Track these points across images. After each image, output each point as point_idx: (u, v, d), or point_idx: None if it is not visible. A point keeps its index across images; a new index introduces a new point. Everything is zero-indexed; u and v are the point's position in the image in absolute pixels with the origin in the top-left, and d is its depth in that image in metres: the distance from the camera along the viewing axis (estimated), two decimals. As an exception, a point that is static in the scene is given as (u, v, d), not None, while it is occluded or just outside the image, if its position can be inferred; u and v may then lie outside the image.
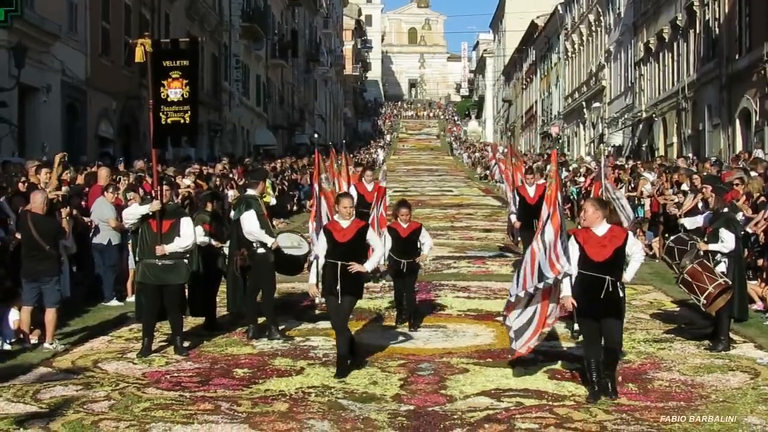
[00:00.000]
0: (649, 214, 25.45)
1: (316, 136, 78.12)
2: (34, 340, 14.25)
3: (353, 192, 19.82)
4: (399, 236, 15.72)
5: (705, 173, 22.57)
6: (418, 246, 15.79)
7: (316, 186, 15.95)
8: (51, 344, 14.00)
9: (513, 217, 21.35)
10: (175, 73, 13.94)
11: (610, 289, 11.02)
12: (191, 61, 14.18)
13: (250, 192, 15.48)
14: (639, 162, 36.67)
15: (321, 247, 12.77)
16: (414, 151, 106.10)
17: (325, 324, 15.70)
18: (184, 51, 14.26)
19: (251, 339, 14.60)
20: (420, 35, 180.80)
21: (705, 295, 13.44)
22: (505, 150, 24.77)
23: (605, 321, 11.05)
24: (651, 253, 22.51)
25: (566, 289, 11.27)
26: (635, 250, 11.53)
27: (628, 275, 11.48)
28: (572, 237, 11.39)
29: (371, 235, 13.23)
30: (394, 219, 16.26)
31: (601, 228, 11.33)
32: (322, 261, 12.81)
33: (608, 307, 11.04)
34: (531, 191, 20.52)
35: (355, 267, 12.45)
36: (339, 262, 12.44)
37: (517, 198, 20.87)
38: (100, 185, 19.37)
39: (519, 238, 21.87)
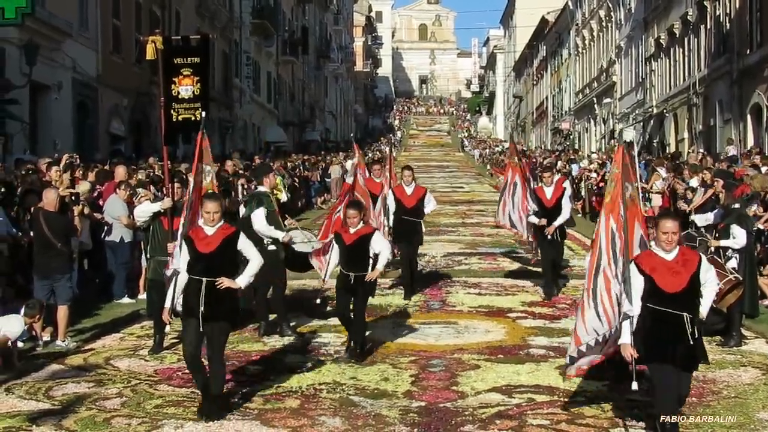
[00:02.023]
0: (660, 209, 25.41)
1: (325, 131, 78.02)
2: (46, 337, 14.25)
3: (391, 197, 18.99)
4: (344, 243, 13.19)
5: (717, 167, 22.54)
6: (370, 255, 13.23)
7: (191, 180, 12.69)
8: (63, 342, 14.04)
9: (533, 218, 18.51)
10: (186, 70, 13.93)
11: (690, 330, 8.97)
12: (202, 58, 14.17)
13: (260, 189, 15.48)
14: (652, 158, 36.60)
15: (182, 260, 10.59)
16: (425, 147, 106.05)
17: (336, 320, 15.73)
18: (194, 48, 14.25)
19: (262, 336, 14.59)
20: (430, 31, 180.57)
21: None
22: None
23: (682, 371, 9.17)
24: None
25: (626, 335, 9.16)
26: (709, 277, 9.27)
27: (702, 310, 9.26)
28: (633, 265, 9.16)
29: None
30: (344, 221, 13.69)
31: (672, 251, 9.15)
32: (184, 277, 10.59)
33: (689, 353, 9.10)
34: (548, 192, 18.45)
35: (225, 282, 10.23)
36: (203, 279, 10.19)
37: (535, 198, 18.66)
38: (115, 182, 19.38)
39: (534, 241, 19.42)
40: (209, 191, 11.74)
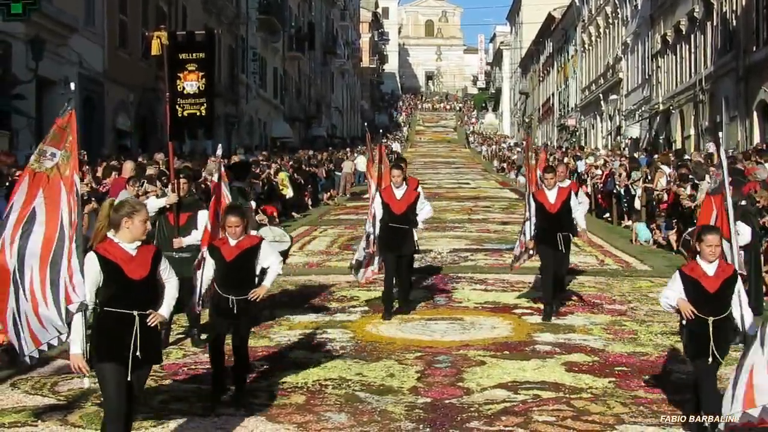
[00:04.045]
0: (665, 206, 25.40)
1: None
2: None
3: (378, 200, 15.97)
4: (223, 259, 10.73)
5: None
6: (256, 274, 10.99)
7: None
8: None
9: (526, 232, 16.09)
10: (191, 66, 13.93)
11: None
12: (207, 54, 14.17)
13: (236, 184, 15.52)
14: (656, 156, 36.58)
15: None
16: (431, 143, 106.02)
17: (342, 316, 15.77)
18: (199, 43, 14.25)
19: (197, 343, 14.41)
20: (437, 27, 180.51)
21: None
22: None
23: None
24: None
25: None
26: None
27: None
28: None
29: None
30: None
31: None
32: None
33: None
34: (551, 196, 15.76)
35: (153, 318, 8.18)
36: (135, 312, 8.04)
37: (533, 205, 15.86)
38: (123, 178, 19.36)
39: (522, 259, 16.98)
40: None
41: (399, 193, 15.93)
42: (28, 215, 8.34)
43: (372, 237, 15.75)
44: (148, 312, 8.04)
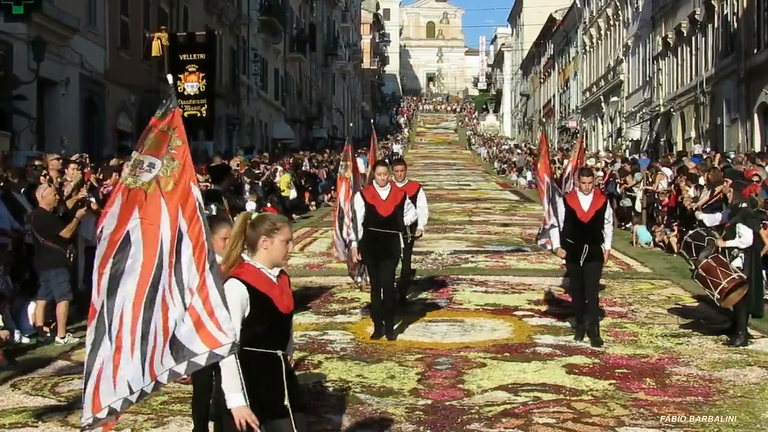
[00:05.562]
0: (666, 208, 25.41)
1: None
2: (51, 334, 14.26)
3: (359, 201, 14.35)
4: None
5: (722, 166, 22.51)
6: None
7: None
8: (62, 338, 13.95)
9: (555, 239, 14.30)
10: (192, 67, 14.02)
11: None
12: (208, 55, 14.22)
13: (214, 187, 15.49)
14: (657, 161, 36.58)
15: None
16: (432, 145, 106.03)
17: (343, 318, 15.77)
18: (200, 44, 14.33)
19: None
20: (438, 29, 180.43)
21: (719, 290, 13.38)
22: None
23: None
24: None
25: None
26: None
27: None
28: None
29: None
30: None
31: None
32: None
33: None
34: (585, 203, 13.89)
35: None
36: None
37: (562, 210, 14.12)
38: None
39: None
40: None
41: (384, 193, 14.25)
42: (121, 240, 6.41)
43: (354, 245, 14.26)
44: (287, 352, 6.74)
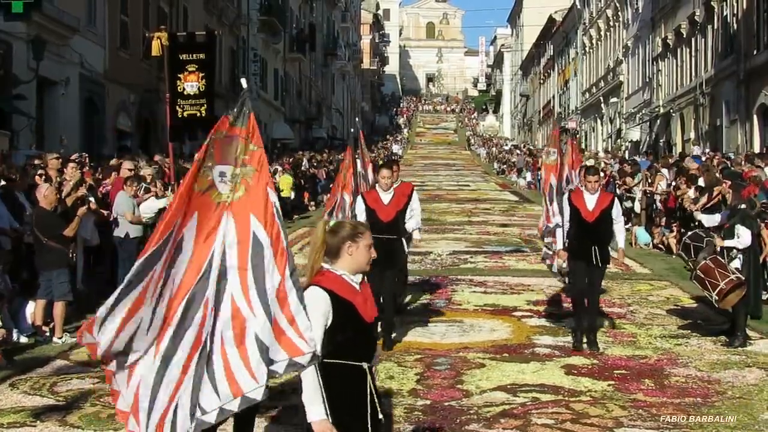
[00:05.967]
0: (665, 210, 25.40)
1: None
2: (49, 334, 14.25)
3: (360, 206, 13.88)
4: None
5: (720, 168, 22.49)
6: None
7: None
8: (60, 338, 13.94)
9: (558, 239, 14.54)
10: (192, 67, 13.95)
11: None
12: (207, 55, 14.18)
13: None
14: (657, 163, 36.56)
15: None
16: (431, 145, 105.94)
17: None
18: (200, 44, 14.27)
19: None
20: (438, 30, 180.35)
21: (717, 291, 13.37)
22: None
23: None
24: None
25: None
26: None
27: None
28: None
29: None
30: None
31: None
32: None
33: None
34: (590, 202, 13.51)
35: None
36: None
37: (568, 209, 13.81)
38: (121, 178, 19.33)
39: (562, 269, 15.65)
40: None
41: (386, 197, 13.79)
42: (179, 240, 6.14)
43: None
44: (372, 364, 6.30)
